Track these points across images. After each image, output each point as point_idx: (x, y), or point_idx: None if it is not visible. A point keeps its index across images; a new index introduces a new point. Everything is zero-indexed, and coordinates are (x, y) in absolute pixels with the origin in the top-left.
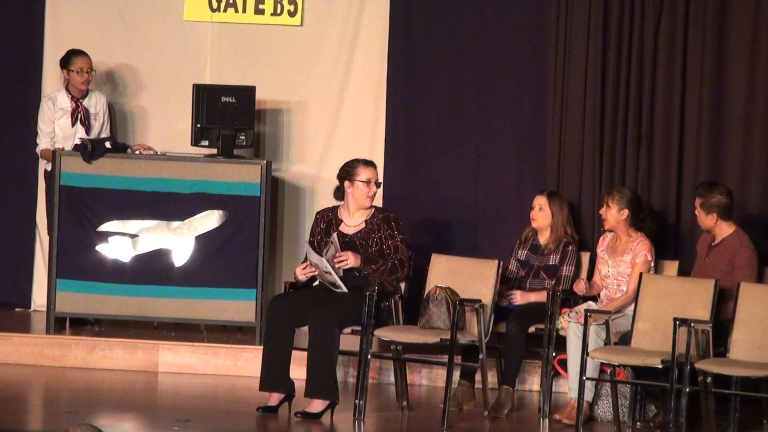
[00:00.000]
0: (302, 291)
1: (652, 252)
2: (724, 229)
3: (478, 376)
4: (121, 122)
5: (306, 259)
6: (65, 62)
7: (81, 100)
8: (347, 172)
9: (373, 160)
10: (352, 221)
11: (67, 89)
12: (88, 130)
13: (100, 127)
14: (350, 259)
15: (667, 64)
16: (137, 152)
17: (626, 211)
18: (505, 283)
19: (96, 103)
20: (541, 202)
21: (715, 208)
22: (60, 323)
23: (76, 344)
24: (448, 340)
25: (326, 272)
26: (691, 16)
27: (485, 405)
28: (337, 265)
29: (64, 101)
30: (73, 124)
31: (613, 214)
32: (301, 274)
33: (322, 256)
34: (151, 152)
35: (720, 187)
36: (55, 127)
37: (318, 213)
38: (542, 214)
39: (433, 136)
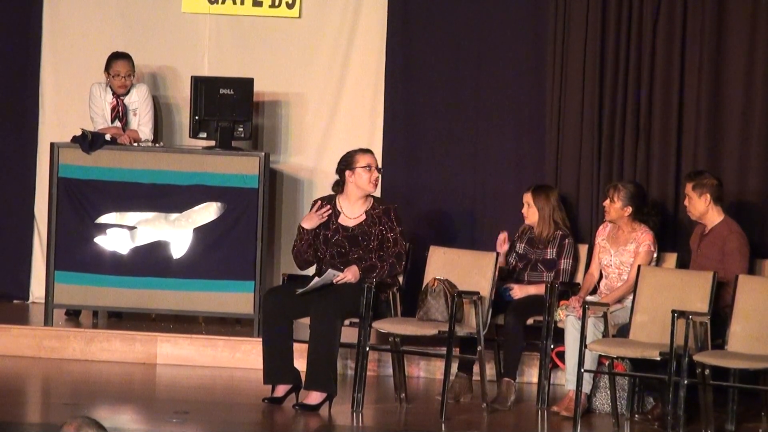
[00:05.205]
0: (297, 284)
1: (655, 243)
2: (715, 217)
3: (476, 368)
4: None
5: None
6: (106, 66)
7: (121, 97)
8: (346, 162)
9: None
10: (352, 212)
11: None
12: (125, 126)
13: (138, 121)
14: (349, 276)
15: (666, 56)
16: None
17: (630, 208)
18: (503, 279)
19: (136, 99)
20: (527, 199)
21: (708, 188)
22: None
23: (74, 336)
24: (446, 332)
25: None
26: (689, 9)
27: (483, 397)
28: (335, 282)
29: (108, 95)
30: (113, 120)
31: (617, 209)
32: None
33: (320, 277)
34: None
35: (708, 172)
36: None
37: (315, 202)
38: (531, 211)
39: (431, 128)
